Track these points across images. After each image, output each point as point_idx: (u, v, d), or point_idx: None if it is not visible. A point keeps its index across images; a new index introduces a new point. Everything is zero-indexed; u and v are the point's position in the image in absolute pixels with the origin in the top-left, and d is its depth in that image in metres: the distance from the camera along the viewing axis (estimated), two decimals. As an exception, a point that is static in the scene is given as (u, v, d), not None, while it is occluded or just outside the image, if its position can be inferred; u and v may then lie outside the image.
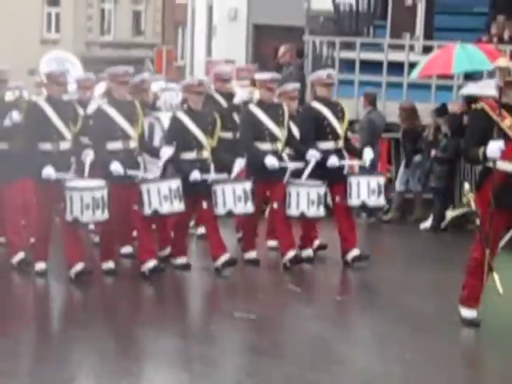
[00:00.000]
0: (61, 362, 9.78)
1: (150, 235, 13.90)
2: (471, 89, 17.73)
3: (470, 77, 19.69)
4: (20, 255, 13.60)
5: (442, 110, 19.00)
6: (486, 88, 15.85)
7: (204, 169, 13.22)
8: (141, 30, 63.06)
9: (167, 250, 14.36)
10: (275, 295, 13.30)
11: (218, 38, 33.33)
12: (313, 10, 26.78)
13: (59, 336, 11.45)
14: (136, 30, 61.45)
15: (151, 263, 13.11)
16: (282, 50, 21.62)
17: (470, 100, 14.49)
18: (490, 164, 9.56)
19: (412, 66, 21.07)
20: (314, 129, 13.90)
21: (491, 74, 15.23)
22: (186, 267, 13.72)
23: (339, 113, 14.24)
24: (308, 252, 14.17)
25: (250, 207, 13.51)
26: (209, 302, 13.77)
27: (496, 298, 11.79)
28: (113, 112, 12.70)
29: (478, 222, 10.21)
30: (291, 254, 13.79)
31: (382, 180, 14.81)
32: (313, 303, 13.06)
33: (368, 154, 14.88)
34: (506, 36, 22.56)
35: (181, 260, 13.76)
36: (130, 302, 12.67)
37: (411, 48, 22.71)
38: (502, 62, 10.41)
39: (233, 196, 13.20)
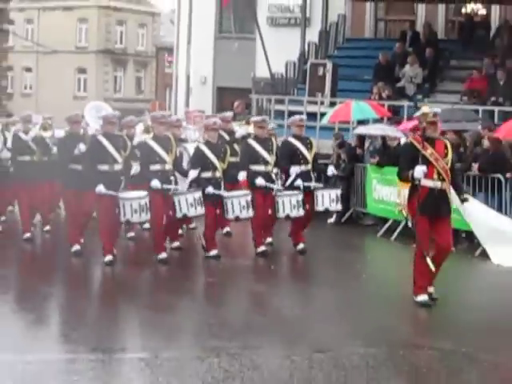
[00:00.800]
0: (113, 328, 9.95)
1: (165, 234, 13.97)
2: (361, 129, 18.69)
3: (361, 122, 20.56)
4: (76, 248, 13.55)
5: (341, 144, 19.90)
6: (371, 129, 17.46)
7: (217, 184, 13.61)
8: (141, 89, 68.25)
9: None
10: (259, 270, 13.86)
11: (193, 95, 33.59)
12: (257, 77, 28.78)
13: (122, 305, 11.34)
14: (138, 89, 65.70)
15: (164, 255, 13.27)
16: (236, 104, 21.92)
17: (360, 137, 15.86)
18: (416, 182, 9.76)
19: (322, 115, 22.22)
20: (290, 156, 14.18)
21: (375, 121, 16.67)
22: (217, 257, 13.69)
23: (308, 145, 14.53)
24: (300, 246, 14.35)
25: (251, 212, 13.86)
26: (223, 278, 13.19)
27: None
28: (153, 144, 13.09)
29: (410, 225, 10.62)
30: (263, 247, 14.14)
31: (339, 192, 15.12)
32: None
33: (330, 169, 15.47)
34: (384, 95, 23.77)
35: (213, 252, 13.78)
36: (174, 281, 12.50)
37: (322, 103, 23.86)
38: (425, 109, 10.71)
39: (239, 205, 13.65)
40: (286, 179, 14.71)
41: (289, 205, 13.89)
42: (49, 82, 60.87)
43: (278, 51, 26.10)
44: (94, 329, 10.06)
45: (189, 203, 13.04)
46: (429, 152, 9.53)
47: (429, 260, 9.82)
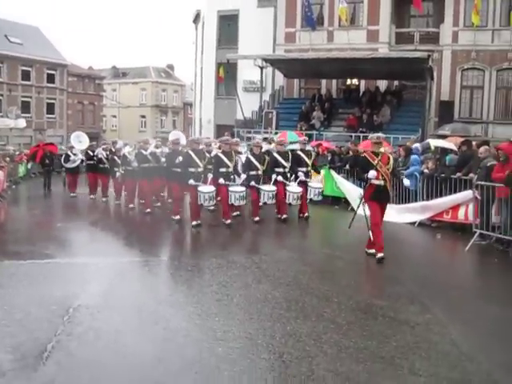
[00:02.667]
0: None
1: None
2: (291, 146, 15.39)
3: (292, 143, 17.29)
4: (177, 217, 12.75)
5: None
6: (295, 146, 15.24)
7: (258, 178, 12.72)
8: (176, 126, 60.14)
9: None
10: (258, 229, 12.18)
11: (204, 129, 32.90)
12: (237, 119, 27.43)
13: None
14: (173, 126, 59.37)
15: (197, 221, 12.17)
16: (226, 133, 19.22)
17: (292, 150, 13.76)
18: (370, 181, 8.87)
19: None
20: (297, 162, 13.08)
21: (299, 142, 14.41)
22: (258, 222, 12.53)
23: (309, 154, 13.35)
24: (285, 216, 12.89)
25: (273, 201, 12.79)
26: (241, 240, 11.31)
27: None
28: (222, 156, 12.31)
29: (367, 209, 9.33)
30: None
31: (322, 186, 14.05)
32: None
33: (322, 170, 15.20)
34: (303, 128, 23.22)
35: (257, 218, 12.67)
36: (204, 241, 11.13)
37: (271, 132, 22.25)
38: (371, 135, 9.99)
39: (267, 195, 12.54)
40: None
41: (267, 195, 12.59)
42: (125, 123, 60.09)
43: (247, 105, 25.61)
44: (159, 248, 10.28)
45: (236, 198, 12.20)
46: (375, 162, 8.83)
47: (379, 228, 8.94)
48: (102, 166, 17.74)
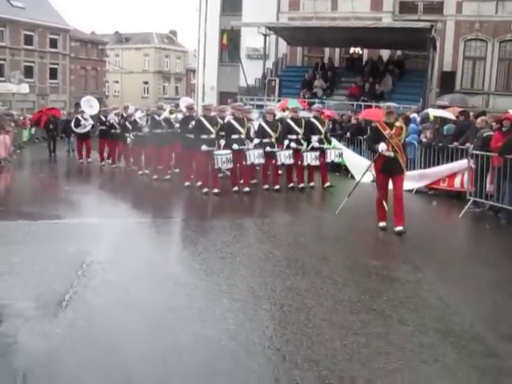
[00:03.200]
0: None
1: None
2: (304, 113, 15.25)
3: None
4: (187, 183, 12.85)
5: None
6: (308, 113, 15.20)
7: (272, 146, 12.52)
8: (178, 93, 61.11)
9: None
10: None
11: (206, 96, 31.94)
12: (240, 86, 27.27)
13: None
14: (176, 93, 61.29)
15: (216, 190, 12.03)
16: (229, 101, 20.06)
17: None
18: (380, 152, 8.68)
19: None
20: (310, 129, 12.86)
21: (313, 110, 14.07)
22: (279, 190, 12.58)
23: (322, 122, 13.14)
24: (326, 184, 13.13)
25: (291, 161, 12.69)
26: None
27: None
28: (234, 122, 12.14)
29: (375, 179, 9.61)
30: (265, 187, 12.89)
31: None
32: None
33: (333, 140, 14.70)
34: (306, 96, 23.38)
35: (277, 186, 12.67)
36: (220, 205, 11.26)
37: (273, 100, 22.86)
38: (382, 105, 10.16)
39: (284, 157, 12.49)
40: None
41: (255, 156, 12.31)
42: (128, 89, 59.82)
43: (250, 72, 25.58)
44: (167, 211, 10.77)
45: (255, 156, 12.14)
46: (387, 132, 8.68)
47: (384, 203, 8.89)
48: (113, 131, 17.30)
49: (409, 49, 26.54)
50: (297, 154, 12.78)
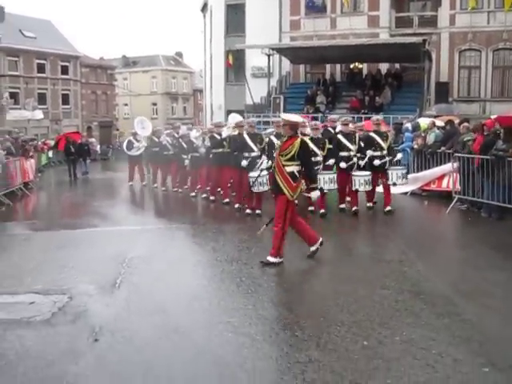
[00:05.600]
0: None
1: None
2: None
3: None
4: (236, 205, 12.26)
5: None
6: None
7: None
8: (186, 113, 64.24)
9: None
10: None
11: (214, 115, 33.90)
12: (246, 104, 28.49)
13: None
14: (184, 113, 63.81)
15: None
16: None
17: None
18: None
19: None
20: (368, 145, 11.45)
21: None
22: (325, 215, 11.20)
23: (384, 136, 11.50)
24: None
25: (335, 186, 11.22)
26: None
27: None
28: (274, 139, 10.63)
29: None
30: None
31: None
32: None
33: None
34: (310, 111, 24.63)
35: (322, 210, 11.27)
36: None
37: (279, 117, 23.16)
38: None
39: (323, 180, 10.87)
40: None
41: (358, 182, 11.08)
42: (137, 111, 59.26)
43: (256, 90, 26.95)
44: (187, 218, 12.37)
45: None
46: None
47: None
48: (166, 153, 16.41)
49: (406, 61, 27.92)
50: (345, 175, 11.34)
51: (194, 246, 9.33)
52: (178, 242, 9.62)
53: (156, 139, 17.32)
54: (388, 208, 11.33)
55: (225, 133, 13.81)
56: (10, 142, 18.06)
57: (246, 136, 11.81)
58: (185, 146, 15.01)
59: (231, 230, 10.35)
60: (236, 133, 12.36)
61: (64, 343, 5.09)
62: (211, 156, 13.41)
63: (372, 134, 11.53)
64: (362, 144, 11.48)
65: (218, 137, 13.40)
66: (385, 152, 11.33)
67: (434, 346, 4.81)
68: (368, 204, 11.73)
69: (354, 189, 11.27)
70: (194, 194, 14.79)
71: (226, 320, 5.52)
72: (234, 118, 16.96)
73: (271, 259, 7.54)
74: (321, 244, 7.88)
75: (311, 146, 10.16)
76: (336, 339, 5.00)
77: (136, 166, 18.59)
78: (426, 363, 4.47)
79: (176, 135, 16.10)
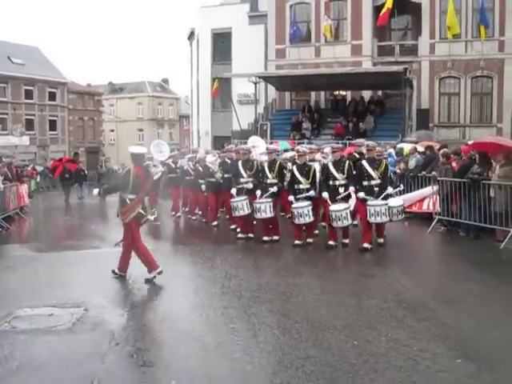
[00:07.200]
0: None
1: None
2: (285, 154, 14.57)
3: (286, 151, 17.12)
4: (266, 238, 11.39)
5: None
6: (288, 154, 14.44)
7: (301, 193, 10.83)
8: (172, 138, 64.07)
9: None
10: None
11: (202, 140, 34.75)
12: (233, 130, 29.18)
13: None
14: (170, 138, 62.54)
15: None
16: (225, 144, 19.79)
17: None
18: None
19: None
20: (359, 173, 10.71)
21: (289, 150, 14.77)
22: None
23: (378, 163, 10.62)
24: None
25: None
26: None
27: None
28: (295, 170, 10.92)
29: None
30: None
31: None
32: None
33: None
34: (295, 137, 25.40)
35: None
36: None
37: (266, 143, 20.39)
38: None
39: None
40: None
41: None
42: (123, 137, 62.15)
43: (243, 117, 27.46)
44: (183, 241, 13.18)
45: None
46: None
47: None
48: (188, 178, 15.58)
49: (388, 89, 29.09)
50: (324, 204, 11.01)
51: (193, 265, 9.97)
52: (177, 261, 10.27)
53: (173, 165, 16.44)
54: (381, 240, 11.01)
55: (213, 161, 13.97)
56: (6, 168, 18.59)
57: (240, 163, 12.02)
58: (201, 170, 14.84)
59: (228, 250, 11.00)
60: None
61: (88, 347, 5.76)
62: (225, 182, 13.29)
63: (363, 162, 10.84)
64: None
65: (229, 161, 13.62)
66: (375, 181, 10.56)
67: (415, 343, 5.58)
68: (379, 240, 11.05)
69: (335, 225, 10.62)
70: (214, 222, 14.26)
71: (230, 326, 6.24)
72: (255, 141, 16.70)
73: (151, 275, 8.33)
74: (159, 273, 8.36)
75: (296, 173, 10.72)
76: (330, 340, 5.74)
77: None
78: (408, 357, 5.23)
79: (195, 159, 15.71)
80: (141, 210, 8.40)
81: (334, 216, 10.43)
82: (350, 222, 10.56)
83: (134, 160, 8.54)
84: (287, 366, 5.07)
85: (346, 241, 10.95)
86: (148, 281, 8.34)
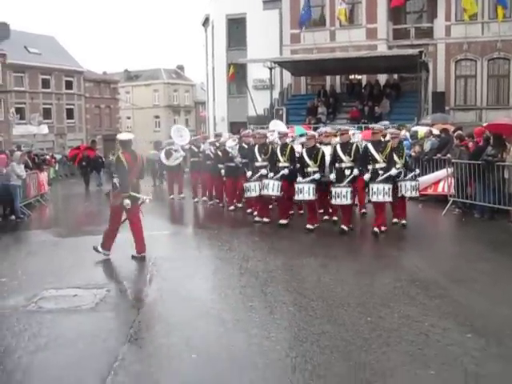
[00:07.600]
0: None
1: None
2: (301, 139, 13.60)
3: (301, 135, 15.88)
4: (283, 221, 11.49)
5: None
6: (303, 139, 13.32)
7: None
8: (188, 125, 61.15)
9: None
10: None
11: (218, 126, 34.47)
12: (249, 116, 29.66)
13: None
14: (186, 125, 59.82)
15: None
16: (241, 130, 18.21)
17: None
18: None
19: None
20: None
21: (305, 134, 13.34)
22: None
23: (383, 146, 10.52)
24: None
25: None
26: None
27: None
28: (304, 154, 11.08)
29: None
30: None
31: None
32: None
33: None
34: (311, 122, 25.47)
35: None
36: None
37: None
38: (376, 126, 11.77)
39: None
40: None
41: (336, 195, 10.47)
42: (140, 124, 62.84)
43: (258, 102, 27.82)
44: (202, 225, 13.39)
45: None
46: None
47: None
48: (209, 162, 15.48)
49: (404, 72, 29.07)
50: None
51: (212, 247, 10.18)
52: (197, 244, 10.60)
53: (195, 149, 16.54)
54: (403, 221, 11.10)
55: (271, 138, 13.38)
56: (27, 157, 18.95)
57: (255, 148, 12.17)
58: (220, 154, 14.83)
59: (245, 233, 11.26)
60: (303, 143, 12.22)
61: (112, 325, 6.05)
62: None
63: (368, 145, 10.82)
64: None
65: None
66: (380, 165, 10.50)
67: (426, 319, 5.76)
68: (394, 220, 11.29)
69: (334, 202, 10.83)
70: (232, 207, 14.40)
71: (248, 304, 6.48)
72: (276, 124, 16.69)
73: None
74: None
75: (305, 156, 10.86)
76: (344, 317, 5.95)
77: (175, 177, 17.89)
78: (419, 332, 5.42)
79: (217, 144, 15.52)
80: (133, 193, 8.89)
81: (334, 193, 10.56)
82: (349, 201, 10.56)
83: (123, 146, 9.04)
84: (303, 341, 5.29)
85: (335, 218, 11.40)
86: (133, 257, 8.94)
